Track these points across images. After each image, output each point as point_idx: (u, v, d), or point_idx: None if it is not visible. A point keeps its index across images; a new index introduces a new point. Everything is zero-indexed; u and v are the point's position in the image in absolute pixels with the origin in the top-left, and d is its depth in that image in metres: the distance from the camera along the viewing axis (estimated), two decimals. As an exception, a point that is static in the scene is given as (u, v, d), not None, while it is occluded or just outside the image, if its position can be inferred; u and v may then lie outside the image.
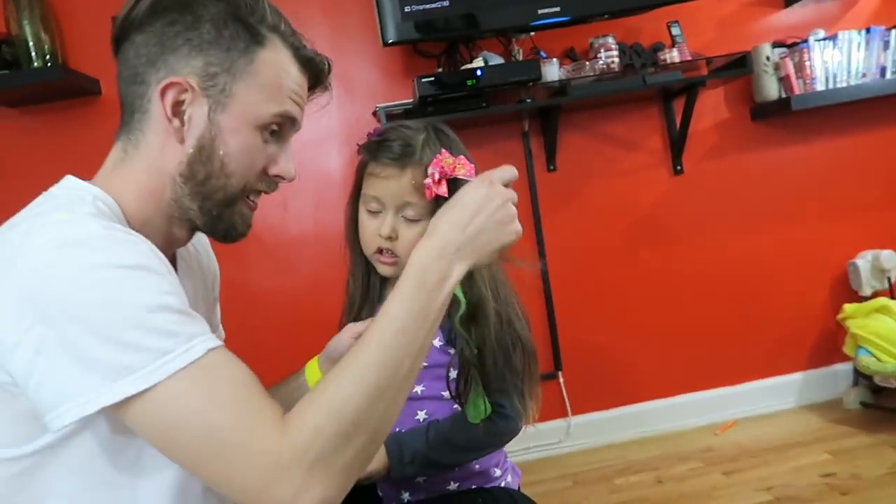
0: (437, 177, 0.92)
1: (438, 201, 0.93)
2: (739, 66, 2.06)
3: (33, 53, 1.91)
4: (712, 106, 2.27)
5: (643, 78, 2.00)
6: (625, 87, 2.02)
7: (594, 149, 2.24)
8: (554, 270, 2.22)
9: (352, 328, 0.99)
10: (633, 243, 2.27)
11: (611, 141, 2.24)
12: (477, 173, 0.96)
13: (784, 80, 2.15)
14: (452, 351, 1.02)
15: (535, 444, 2.22)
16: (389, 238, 1.00)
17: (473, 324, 0.98)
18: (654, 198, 2.27)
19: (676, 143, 2.22)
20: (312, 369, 1.00)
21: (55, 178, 0.81)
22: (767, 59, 2.14)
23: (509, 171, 0.80)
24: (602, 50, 2.05)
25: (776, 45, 2.17)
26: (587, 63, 2.06)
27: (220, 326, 1.07)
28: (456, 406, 1.04)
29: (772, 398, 2.31)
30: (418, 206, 0.99)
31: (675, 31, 2.10)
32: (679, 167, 2.25)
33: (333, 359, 0.96)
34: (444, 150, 0.95)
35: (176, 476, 0.74)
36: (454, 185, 0.94)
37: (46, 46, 1.92)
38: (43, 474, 0.71)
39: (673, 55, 2.07)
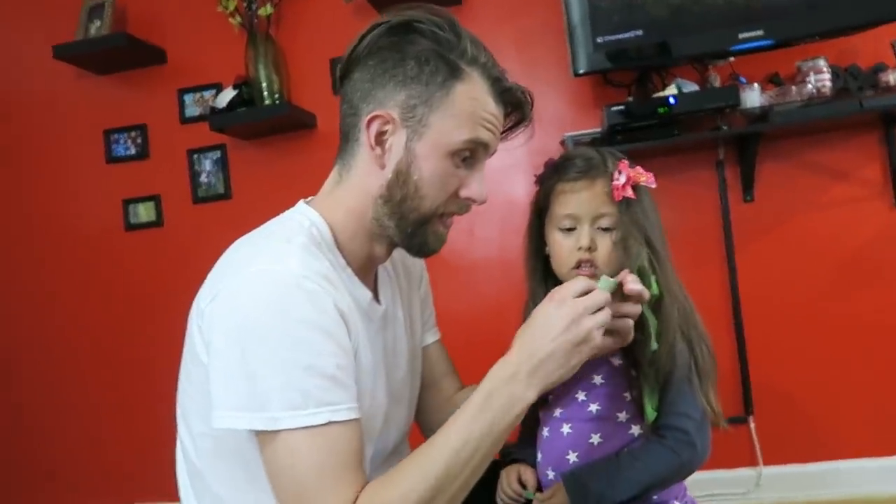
0: (623, 179, 0.96)
1: (628, 204, 0.99)
2: (985, 86, 1.81)
3: (265, 93, 2.20)
4: (946, 131, 2.01)
5: (860, 102, 1.83)
6: (837, 112, 1.86)
7: (798, 179, 2.08)
8: (748, 306, 2.09)
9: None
10: (843, 283, 2.06)
11: (818, 170, 2.07)
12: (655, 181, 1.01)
13: None
14: (634, 373, 1.01)
15: (720, 492, 2.08)
16: (589, 249, 1.01)
17: (659, 317, 0.95)
18: (870, 233, 2.05)
19: (900, 174, 2.00)
20: None
21: (280, 199, 0.97)
22: None
23: (580, 284, 0.81)
24: (811, 73, 1.91)
25: None
26: (793, 87, 1.93)
27: (436, 327, 1.14)
28: (631, 432, 1.02)
29: None
30: (611, 216, 1.01)
31: (901, 49, 1.90)
32: (902, 200, 2.02)
33: None
34: (624, 160, 1.01)
35: None
36: (638, 190, 0.99)
37: (276, 86, 2.21)
38: (223, 452, 0.85)
39: (898, 76, 1.88)
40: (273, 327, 0.75)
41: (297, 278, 0.77)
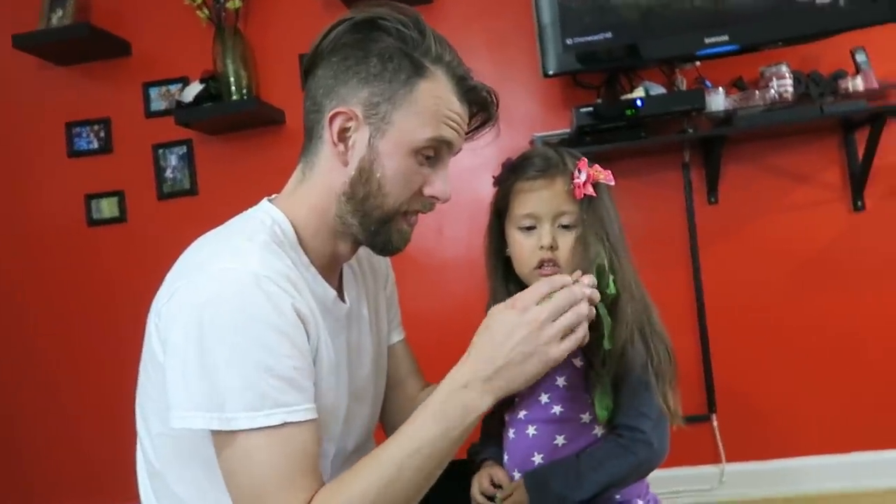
0: (584, 177, 0.96)
1: (589, 202, 0.98)
2: (939, 94, 1.87)
3: (233, 88, 2.16)
4: (904, 137, 2.07)
5: (820, 107, 1.87)
6: (798, 117, 1.90)
7: (761, 181, 2.12)
8: (711, 306, 2.12)
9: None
10: (804, 284, 2.10)
11: (780, 174, 2.11)
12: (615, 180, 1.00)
13: None
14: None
15: (685, 489, 2.11)
16: (551, 248, 1.00)
17: (614, 316, 0.94)
18: (830, 235, 2.10)
19: (858, 178, 2.05)
20: None
21: (247, 195, 0.96)
22: (974, 85, 1.92)
23: (543, 287, 0.80)
24: (774, 79, 1.95)
25: None
26: (757, 92, 1.97)
27: (401, 327, 1.14)
28: (595, 433, 1.03)
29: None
30: (572, 213, 1.00)
31: (861, 57, 1.95)
32: (860, 203, 2.07)
33: None
34: (583, 158, 1.00)
35: None
36: (597, 188, 0.99)
37: (244, 81, 2.17)
38: (181, 450, 0.84)
39: (857, 83, 1.92)
40: (231, 327, 0.74)
41: (257, 278, 0.76)
